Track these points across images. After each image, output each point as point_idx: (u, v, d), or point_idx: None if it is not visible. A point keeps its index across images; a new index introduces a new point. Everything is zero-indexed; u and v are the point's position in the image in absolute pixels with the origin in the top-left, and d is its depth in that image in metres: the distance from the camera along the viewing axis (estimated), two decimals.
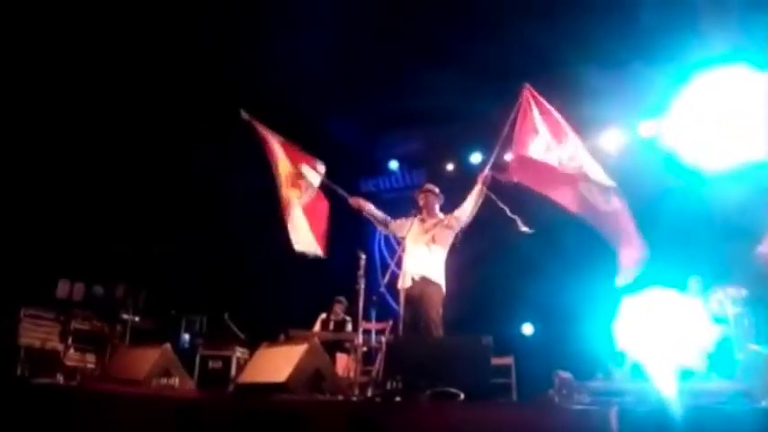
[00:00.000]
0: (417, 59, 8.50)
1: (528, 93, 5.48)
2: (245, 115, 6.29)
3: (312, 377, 4.41)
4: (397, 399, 3.54)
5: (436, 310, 5.17)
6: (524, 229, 5.19)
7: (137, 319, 8.24)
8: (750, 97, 6.73)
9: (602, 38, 7.35)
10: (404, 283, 5.33)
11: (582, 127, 8.49)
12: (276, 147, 6.30)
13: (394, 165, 10.87)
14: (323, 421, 3.44)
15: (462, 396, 3.48)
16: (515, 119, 5.44)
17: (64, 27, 8.11)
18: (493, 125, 8.32)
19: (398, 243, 5.68)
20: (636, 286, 6.40)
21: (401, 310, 5.27)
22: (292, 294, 9.34)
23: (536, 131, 5.40)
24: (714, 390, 5.50)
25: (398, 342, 5.00)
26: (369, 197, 7.17)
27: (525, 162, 5.41)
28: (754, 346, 5.46)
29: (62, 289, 8.53)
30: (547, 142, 5.40)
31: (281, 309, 8.79)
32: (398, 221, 5.74)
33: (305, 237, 6.17)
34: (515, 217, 5.20)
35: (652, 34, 7.20)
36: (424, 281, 5.27)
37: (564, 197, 5.36)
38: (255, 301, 9.44)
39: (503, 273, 8.32)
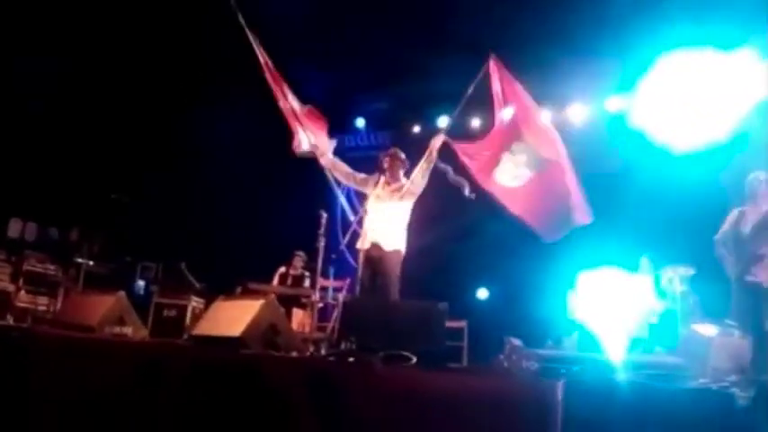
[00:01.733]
0: (389, 23, 8.41)
1: (493, 62, 5.46)
2: (241, 19, 6.09)
3: (267, 332, 4.42)
4: (351, 359, 3.58)
5: (394, 273, 5.24)
6: (468, 194, 5.25)
7: (91, 263, 8.11)
8: (717, 78, 6.82)
9: (570, 13, 7.35)
10: (363, 243, 5.39)
11: (548, 100, 8.61)
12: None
13: (360, 123, 10.77)
14: (277, 377, 3.47)
15: (414, 360, 3.54)
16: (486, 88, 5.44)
17: None
18: (460, 91, 8.40)
19: (361, 203, 5.70)
20: (591, 263, 6.57)
21: (359, 270, 5.33)
22: (251, 246, 9.33)
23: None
24: (657, 362, 5.72)
25: (354, 302, 5.04)
26: (334, 153, 7.10)
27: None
28: (697, 326, 5.66)
29: (14, 228, 8.34)
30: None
31: (239, 260, 8.79)
32: (363, 176, 5.76)
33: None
34: (461, 180, 5.25)
35: (621, 13, 7.23)
36: (384, 243, 5.32)
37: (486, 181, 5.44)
38: (214, 251, 9.40)
39: (461, 237, 8.41)
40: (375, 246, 5.33)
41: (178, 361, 4.06)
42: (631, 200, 7.11)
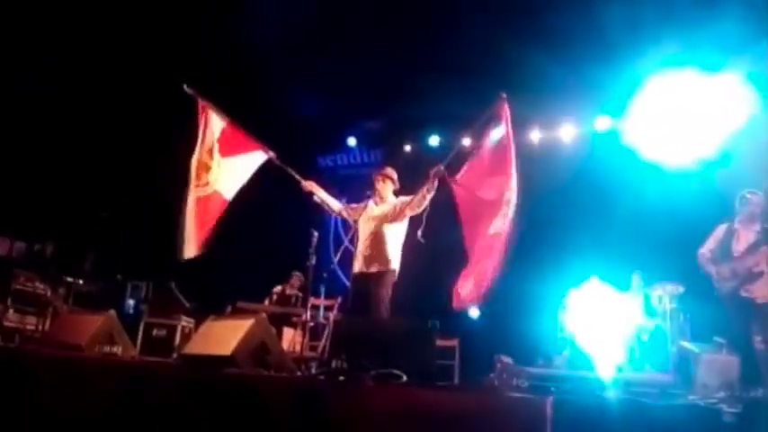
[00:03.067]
0: (381, 43, 8.50)
1: (502, 104, 5.13)
2: (188, 90, 5.78)
3: (257, 351, 4.40)
4: (341, 378, 3.58)
5: (386, 293, 5.17)
6: (420, 238, 5.18)
7: (80, 282, 8.04)
8: (702, 99, 6.95)
9: (562, 35, 7.46)
10: (356, 265, 5.36)
11: (539, 120, 8.70)
12: (213, 128, 5.83)
13: (352, 141, 10.88)
14: (267, 396, 3.45)
15: (405, 378, 3.53)
16: (484, 127, 5.27)
17: None
18: (452, 111, 8.46)
19: (352, 223, 5.68)
20: (582, 281, 6.61)
21: (351, 291, 5.29)
22: (243, 267, 9.30)
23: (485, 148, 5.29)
24: (647, 380, 5.74)
25: (345, 321, 5.03)
26: (326, 172, 7.12)
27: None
28: (686, 343, 5.69)
29: (1, 247, 8.28)
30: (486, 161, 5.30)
31: (230, 280, 8.77)
32: (352, 206, 5.70)
33: (187, 233, 5.77)
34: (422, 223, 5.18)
35: (610, 35, 7.34)
36: (374, 263, 5.28)
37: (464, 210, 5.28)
38: (204, 271, 9.35)
39: (453, 255, 8.41)
40: (366, 265, 5.30)
41: (167, 379, 4.05)
42: (622, 218, 7.15)
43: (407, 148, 10.20)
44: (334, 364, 3.77)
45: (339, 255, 5.52)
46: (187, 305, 7.62)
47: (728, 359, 5.11)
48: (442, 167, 5.16)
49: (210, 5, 8.18)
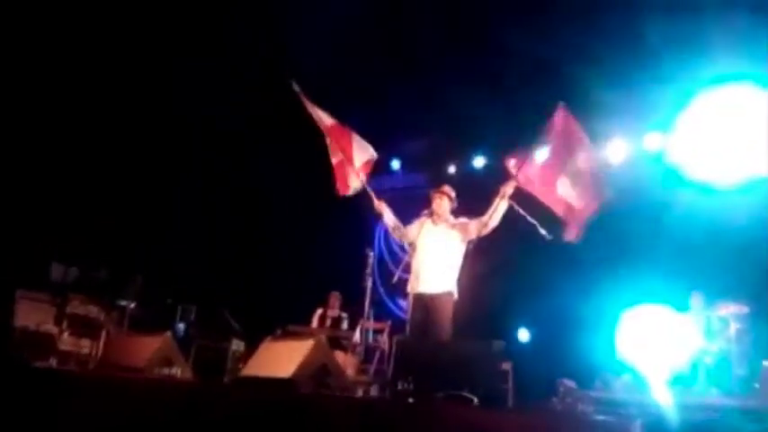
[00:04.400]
0: (424, 64, 8.52)
1: (562, 111, 5.33)
2: (296, 87, 6.05)
3: (318, 373, 4.38)
4: (410, 399, 3.51)
5: (446, 316, 4.99)
6: (545, 233, 5.05)
7: (133, 305, 8.11)
8: (753, 115, 6.82)
9: (609, 53, 7.38)
10: (414, 286, 5.16)
11: (588, 137, 8.58)
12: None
13: (396, 164, 10.83)
14: (333, 417, 3.40)
15: (476, 401, 3.46)
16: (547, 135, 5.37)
17: None
18: (497, 131, 8.40)
19: (402, 247, 5.56)
20: (638, 301, 6.44)
21: (410, 312, 5.14)
22: (284, 288, 9.32)
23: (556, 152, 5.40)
24: (712, 404, 5.54)
25: (409, 343, 4.89)
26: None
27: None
28: None
29: (56, 272, 8.40)
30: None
31: (274, 301, 8.79)
32: (409, 227, 5.48)
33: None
34: (535, 222, 5.09)
35: (659, 52, 7.24)
36: (435, 285, 5.10)
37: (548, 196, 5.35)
38: (249, 293, 9.41)
39: (502, 278, 8.30)
40: (426, 287, 5.12)
41: (228, 401, 4.03)
42: (680, 236, 6.97)
43: (451, 169, 10.13)
44: (400, 385, 3.70)
45: (396, 278, 5.31)
46: (238, 328, 7.64)
47: None
48: (511, 183, 5.22)
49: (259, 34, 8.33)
